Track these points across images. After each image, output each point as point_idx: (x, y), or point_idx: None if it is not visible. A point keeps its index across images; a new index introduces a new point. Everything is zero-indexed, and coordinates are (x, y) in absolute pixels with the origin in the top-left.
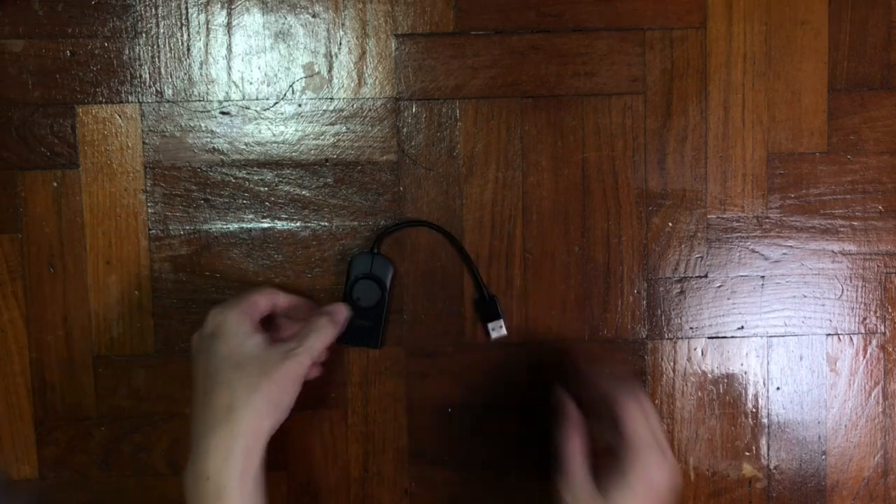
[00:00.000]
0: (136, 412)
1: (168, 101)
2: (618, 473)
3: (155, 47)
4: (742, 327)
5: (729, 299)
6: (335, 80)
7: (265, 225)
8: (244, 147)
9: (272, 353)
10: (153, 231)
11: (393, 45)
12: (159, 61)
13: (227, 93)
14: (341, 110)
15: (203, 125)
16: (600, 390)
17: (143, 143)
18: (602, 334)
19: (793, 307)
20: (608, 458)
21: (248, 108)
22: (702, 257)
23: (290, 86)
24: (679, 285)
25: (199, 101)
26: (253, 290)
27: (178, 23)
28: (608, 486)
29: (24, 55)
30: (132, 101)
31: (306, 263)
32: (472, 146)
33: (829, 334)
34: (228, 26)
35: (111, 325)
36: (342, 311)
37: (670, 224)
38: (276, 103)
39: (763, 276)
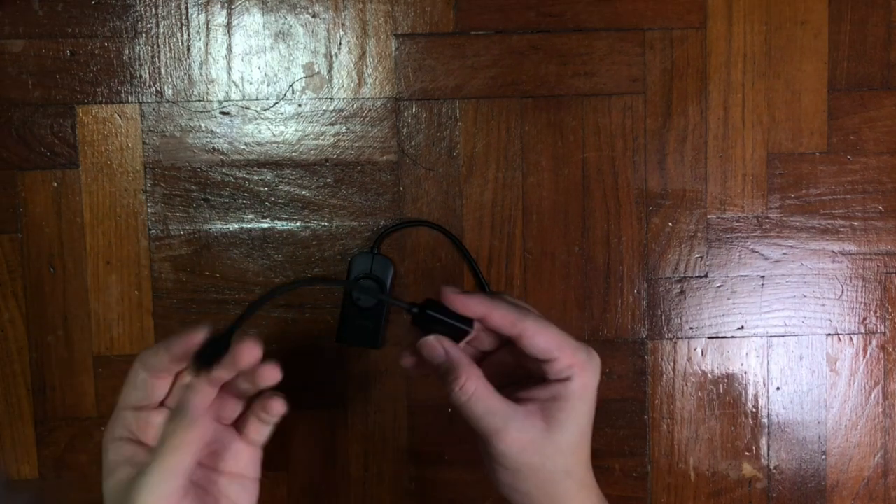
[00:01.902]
0: None
1: (168, 101)
2: (553, 395)
3: (155, 47)
4: (742, 327)
5: (729, 299)
6: (335, 80)
7: (265, 225)
8: (244, 147)
9: (118, 501)
10: (153, 231)
11: (393, 45)
12: (159, 61)
13: (227, 93)
14: (341, 110)
15: (203, 125)
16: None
17: (143, 143)
18: (602, 334)
19: (793, 307)
20: (522, 389)
21: (248, 108)
22: (702, 257)
23: (290, 86)
24: (679, 285)
25: (199, 101)
26: (124, 381)
27: (178, 23)
28: (548, 408)
29: (24, 55)
30: (132, 101)
31: (306, 263)
32: (472, 146)
33: (829, 334)
34: (228, 26)
35: (111, 325)
36: (191, 399)
37: (670, 224)
38: (276, 103)
39: (763, 276)
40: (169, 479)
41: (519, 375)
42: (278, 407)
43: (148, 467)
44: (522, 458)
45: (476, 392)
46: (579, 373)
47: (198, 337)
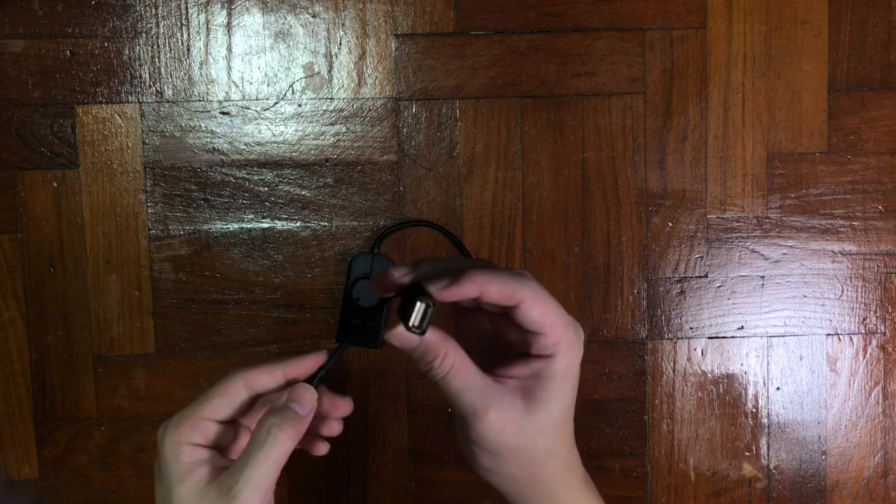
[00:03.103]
0: (136, 412)
1: (168, 101)
2: (535, 373)
3: (155, 47)
4: (742, 327)
5: (729, 299)
6: (335, 80)
7: (265, 225)
8: (244, 147)
9: (206, 500)
10: (153, 231)
11: (393, 45)
12: (159, 61)
13: (227, 93)
14: (341, 110)
15: (203, 125)
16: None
17: (143, 143)
18: (602, 334)
19: (793, 307)
20: (504, 362)
21: (248, 108)
22: (702, 257)
23: (290, 86)
24: (679, 285)
25: (199, 101)
26: (213, 390)
27: (178, 23)
28: (529, 386)
29: (24, 55)
30: (132, 101)
31: (306, 263)
32: (472, 146)
33: (829, 334)
34: (228, 26)
35: (111, 325)
36: (304, 399)
37: (670, 224)
38: (276, 103)
39: (763, 276)
40: (272, 470)
41: (497, 345)
42: (336, 429)
43: (249, 460)
44: (501, 438)
45: (455, 366)
46: (565, 351)
47: (317, 361)
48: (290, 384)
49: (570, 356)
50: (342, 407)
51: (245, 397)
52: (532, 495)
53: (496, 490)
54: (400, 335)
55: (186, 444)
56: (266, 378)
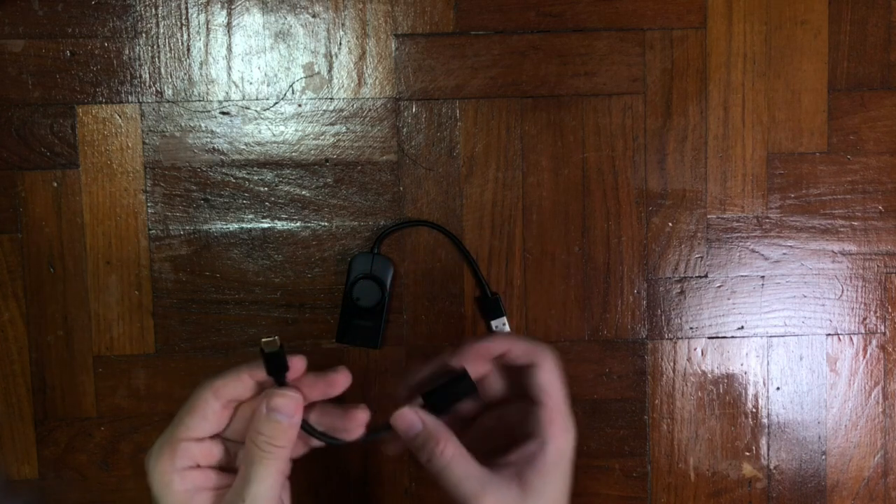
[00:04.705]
0: (136, 412)
1: (168, 101)
2: (527, 457)
3: (155, 47)
4: (742, 327)
5: (729, 299)
6: (335, 80)
7: (265, 225)
8: (244, 147)
9: None
10: (153, 231)
11: (393, 45)
12: (159, 61)
13: (227, 93)
14: (341, 110)
15: (203, 125)
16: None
17: (143, 143)
18: (602, 334)
19: (793, 307)
20: (498, 439)
21: (248, 108)
22: (702, 257)
23: (290, 86)
24: (679, 285)
25: (199, 101)
26: (183, 409)
27: (178, 23)
28: (523, 473)
29: (24, 55)
30: (132, 101)
31: (306, 263)
32: (472, 146)
33: (829, 334)
34: (228, 26)
35: (111, 325)
36: (285, 407)
37: (670, 224)
38: (276, 103)
39: (763, 276)
40: (276, 480)
41: (497, 440)
42: (342, 385)
43: (250, 478)
44: None
45: (454, 457)
46: (557, 435)
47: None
48: (260, 386)
49: (561, 442)
50: (339, 383)
51: (218, 409)
52: None
53: None
54: (407, 418)
55: (176, 472)
56: (234, 385)
